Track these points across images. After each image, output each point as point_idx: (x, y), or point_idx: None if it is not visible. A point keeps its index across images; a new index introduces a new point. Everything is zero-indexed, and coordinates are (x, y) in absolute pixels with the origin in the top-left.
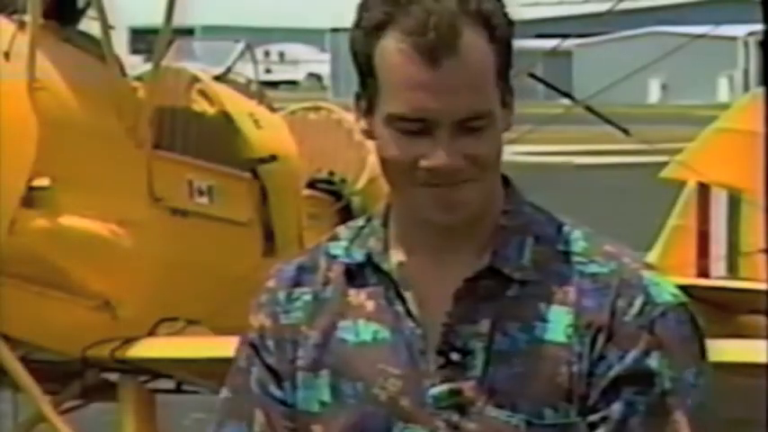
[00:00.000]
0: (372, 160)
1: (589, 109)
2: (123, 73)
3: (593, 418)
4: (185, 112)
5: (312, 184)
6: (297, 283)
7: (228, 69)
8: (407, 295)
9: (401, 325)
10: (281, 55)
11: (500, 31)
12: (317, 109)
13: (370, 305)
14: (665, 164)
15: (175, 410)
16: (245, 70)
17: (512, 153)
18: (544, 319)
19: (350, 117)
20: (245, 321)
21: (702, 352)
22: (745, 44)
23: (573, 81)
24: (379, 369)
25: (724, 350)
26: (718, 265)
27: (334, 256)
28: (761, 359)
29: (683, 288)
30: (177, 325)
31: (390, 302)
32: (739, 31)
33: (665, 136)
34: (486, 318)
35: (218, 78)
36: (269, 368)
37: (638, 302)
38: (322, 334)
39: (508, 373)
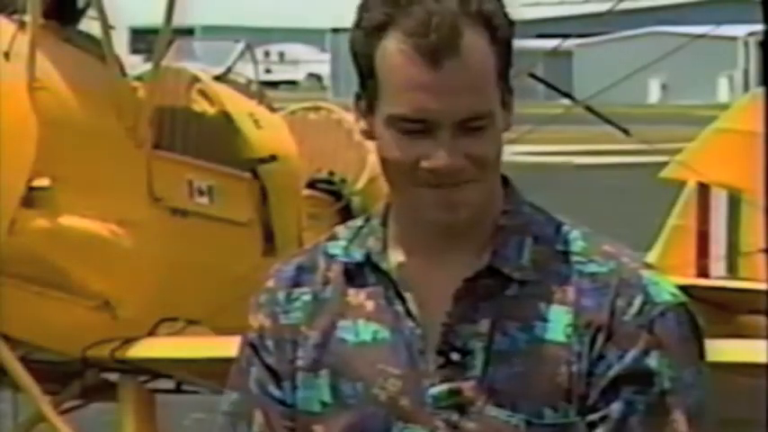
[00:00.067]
0: (372, 160)
1: (589, 109)
2: (123, 73)
3: (593, 417)
4: (185, 112)
5: (312, 184)
6: (296, 283)
7: (228, 69)
8: (407, 295)
9: (401, 325)
10: (281, 55)
11: (501, 31)
12: (316, 109)
13: (369, 305)
14: (664, 164)
15: (175, 410)
16: (245, 70)
17: (512, 153)
18: (544, 319)
19: (350, 117)
20: (245, 321)
21: (701, 352)
22: (745, 44)
23: (573, 81)
24: (379, 369)
25: (724, 350)
26: (717, 265)
27: (333, 256)
28: (761, 359)
29: (683, 288)
30: (177, 325)
31: (390, 302)
32: (739, 31)
33: (665, 136)
34: (486, 317)
35: (218, 78)
36: (268, 368)
37: (637, 302)
38: (322, 334)
39: (508, 373)
